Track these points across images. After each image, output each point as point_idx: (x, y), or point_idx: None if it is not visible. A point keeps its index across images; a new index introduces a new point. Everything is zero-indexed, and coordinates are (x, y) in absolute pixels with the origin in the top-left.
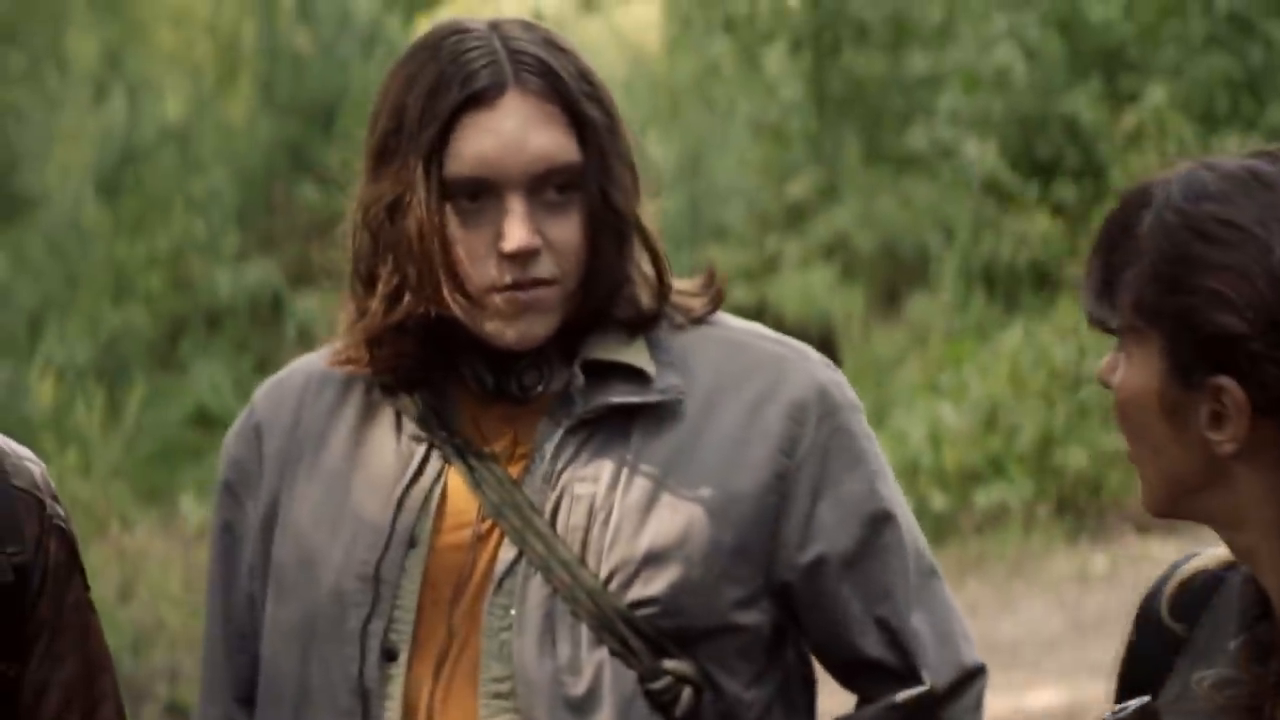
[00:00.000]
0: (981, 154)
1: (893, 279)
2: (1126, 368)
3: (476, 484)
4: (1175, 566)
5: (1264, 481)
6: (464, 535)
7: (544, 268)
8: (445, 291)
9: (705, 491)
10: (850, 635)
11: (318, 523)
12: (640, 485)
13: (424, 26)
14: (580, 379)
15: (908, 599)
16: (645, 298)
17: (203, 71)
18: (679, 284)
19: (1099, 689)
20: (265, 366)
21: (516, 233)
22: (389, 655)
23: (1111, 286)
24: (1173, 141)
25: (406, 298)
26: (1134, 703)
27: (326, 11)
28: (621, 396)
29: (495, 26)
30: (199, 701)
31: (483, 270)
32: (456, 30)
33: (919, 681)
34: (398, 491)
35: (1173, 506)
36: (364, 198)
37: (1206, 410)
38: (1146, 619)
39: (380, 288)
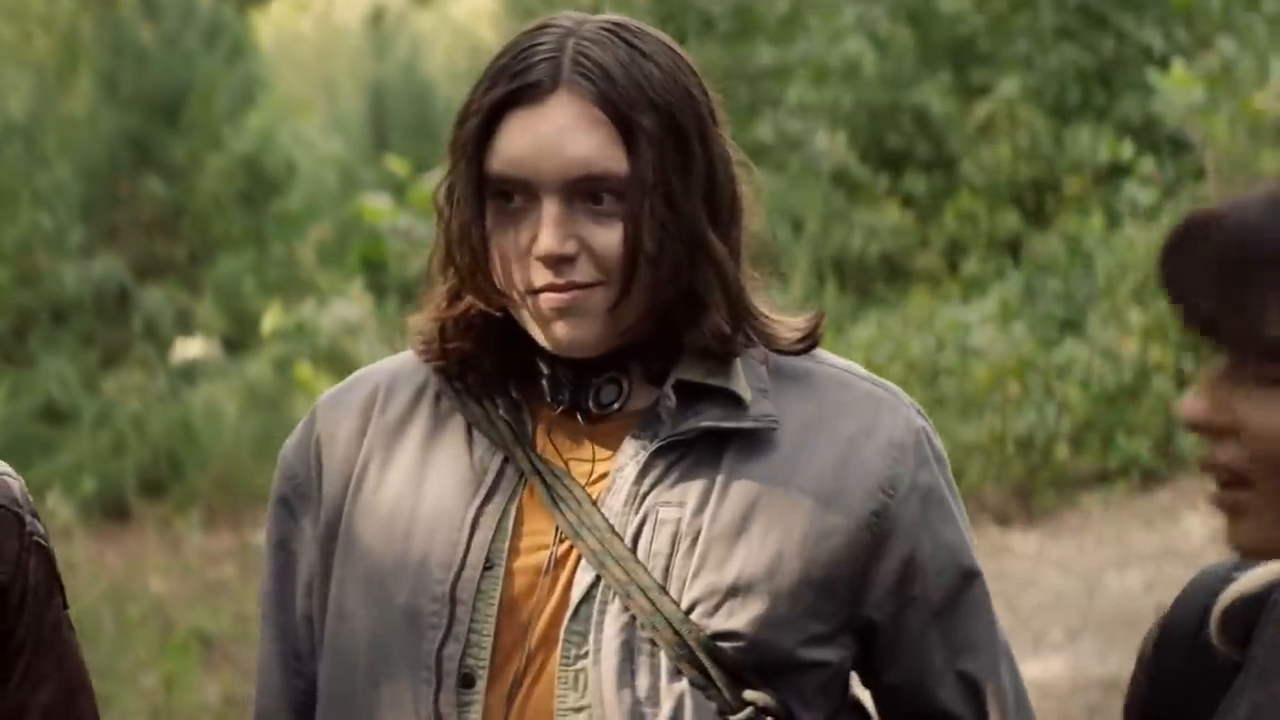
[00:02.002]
0: (831, 145)
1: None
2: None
3: (554, 503)
4: (1199, 590)
5: None
6: (540, 557)
7: (581, 272)
8: (490, 291)
9: (797, 523)
10: (928, 684)
11: (387, 540)
12: (729, 512)
13: (257, 20)
14: (672, 399)
15: (994, 658)
16: (723, 323)
17: (44, 66)
18: (775, 315)
19: None
20: (112, 360)
21: (546, 238)
22: (466, 681)
23: (1266, 328)
24: (1024, 133)
25: (467, 294)
26: None
27: (168, 4)
28: (714, 420)
29: (578, 25)
30: None
31: (518, 272)
32: (540, 25)
33: None
34: (473, 508)
35: None
36: (436, 190)
37: None
38: (1171, 644)
39: (446, 281)
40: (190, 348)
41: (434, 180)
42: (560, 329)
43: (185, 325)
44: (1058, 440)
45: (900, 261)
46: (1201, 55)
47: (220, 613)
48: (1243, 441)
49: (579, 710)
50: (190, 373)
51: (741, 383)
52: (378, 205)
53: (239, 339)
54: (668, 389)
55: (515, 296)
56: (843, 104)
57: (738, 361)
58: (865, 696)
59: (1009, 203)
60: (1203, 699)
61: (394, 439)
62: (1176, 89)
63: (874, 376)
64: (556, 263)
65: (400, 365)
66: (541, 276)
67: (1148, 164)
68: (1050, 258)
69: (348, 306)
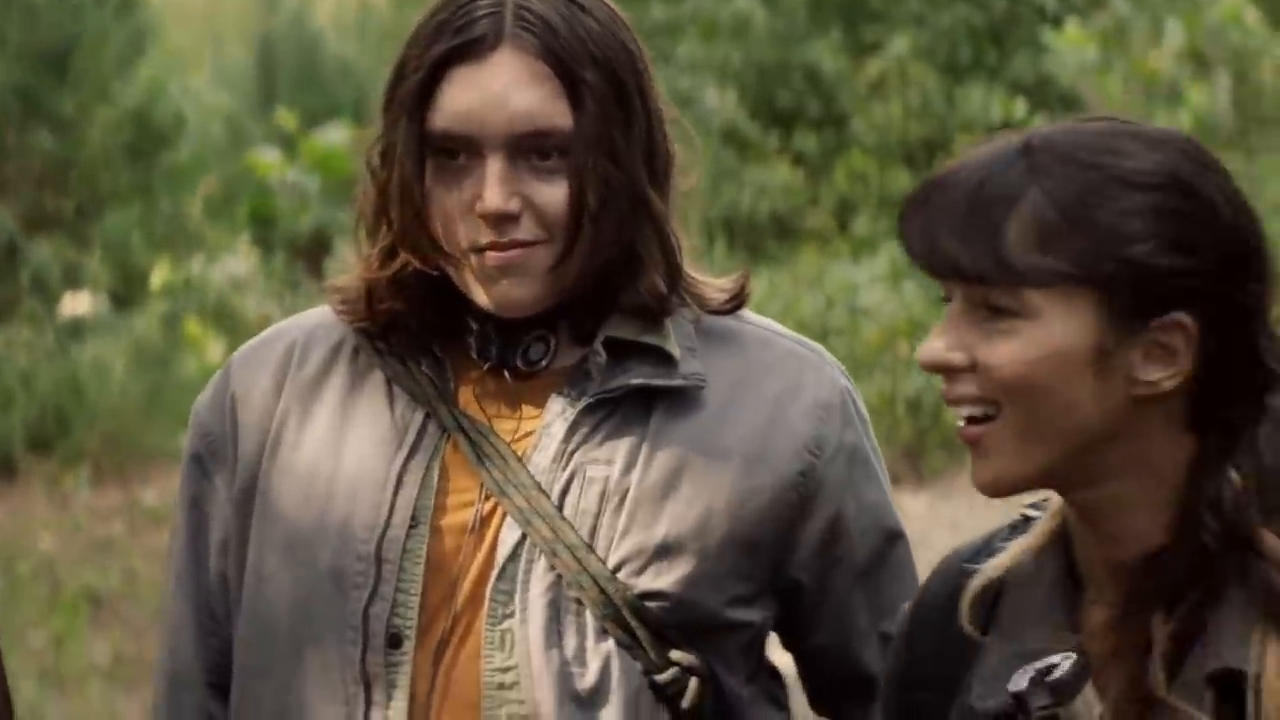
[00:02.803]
0: (721, 103)
1: None
2: (1039, 331)
3: (479, 460)
4: (948, 570)
5: (1168, 416)
6: (466, 515)
7: (525, 230)
8: (430, 249)
9: (725, 483)
10: (853, 645)
11: (308, 499)
12: (657, 471)
13: None
14: (602, 355)
15: None
16: (660, 281)
17: None
18: (701, 276)
19: None
20: (1, 314)
21: (490, 195)
22: (394, 642)
23: (1005, 251)
24: (915, 92)
25: (400, 253)
26: (1058, 657)
27: None
28: (644, 377)
29: None
30: (161, 690)
31: (462, 230)
32: None
33: None
34: (396, 465)
35: (1047, 474)
36: (370, 147)
37: (1140, 353)
38: (924, 621)
39: (379, 240)
40: (78, 303)
41: (325, 134)
42: (502, 288)
43: (73, 280)
44: None
45: (790, 220)
46: (1095, 14)
47: (109, 571)
48: (979, 375)
49: (506, 670)
50: (78, 328)
51: (671, 341)
52: (266, 160)
53: (127, 294)
54: (598, 345)
55: (457, 255)
56: (732, 61)
57: (667, 320)
58: (779, 660)
59: (900, 161)
60: (953, 670)
61: (311, 396)
62: (1070, 48)
63: (798, 336)
64: (500, 220)
65: (316, 321)
66: (485, 234)
67: (1040, 123)
68: None
69: (236, 262)
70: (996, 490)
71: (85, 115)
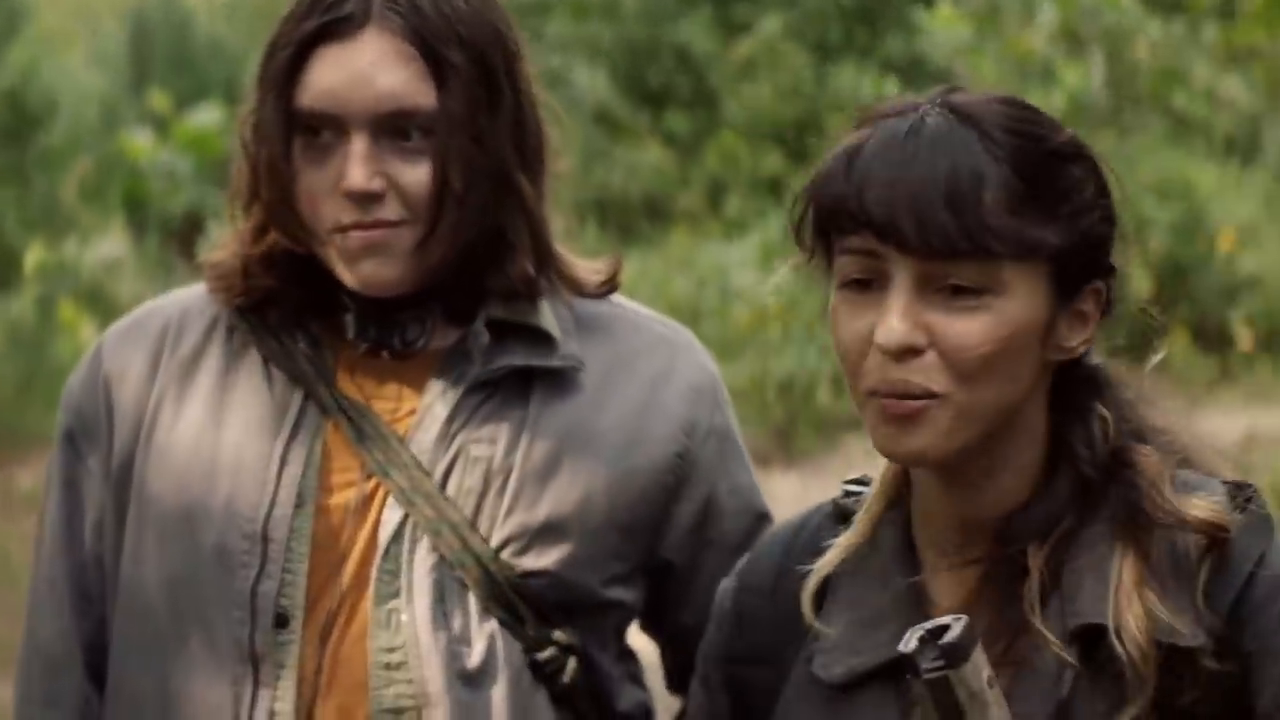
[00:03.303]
0: (592, 83)
1: None
2: (1009, 304)
3: (360, 440)
4: (774, 545)
5: (1048, 376)
6: (349, 495)
7: (389, 209)
8: (298, 228)
9: (604, 464)
10: None
11: (188, 479)
12: (539, 452)
13: None
14: (484, 336)
15: None
16: (528, 264)
17: None
18: (573, 259)
19: None
20: None
21: (354, 173)
22: (281, 621)
23: (993, 221)
24: (786, 72)
25: (271, 230)
26: (949, 619)
27: None
28: (524, 358)
29: None
30: (32, 676)
31: (326, 209)
32: None
33: None
34: (280, 445)
35: (972, 447)
36: (240, 125)
37: (1068, 321)
38: (753, 593)
39: (250, 218)
40: None
41: (198, 116)
42: (366, 267)
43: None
44: (819, 382)
45: (661, 201)
46: None
47: None
48: (941, 355)
49: (393, 650)
50: None
51: (550, 322)
52: (140, 142)
53: (1, 277)
54: (479, 325)
55: (322, 233)
56: (603, 40)
57: (544, 302)
58: (635, 643)
59: (771, 142)
60: (785, 645)
61: (187, 376)
62: (943, 28)
63: (667, 320)
64: (364, 199)
65: (189, 300)
66: (349, 214)
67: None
68: None
69: (110, 244)
70: (922, 461)
71: None
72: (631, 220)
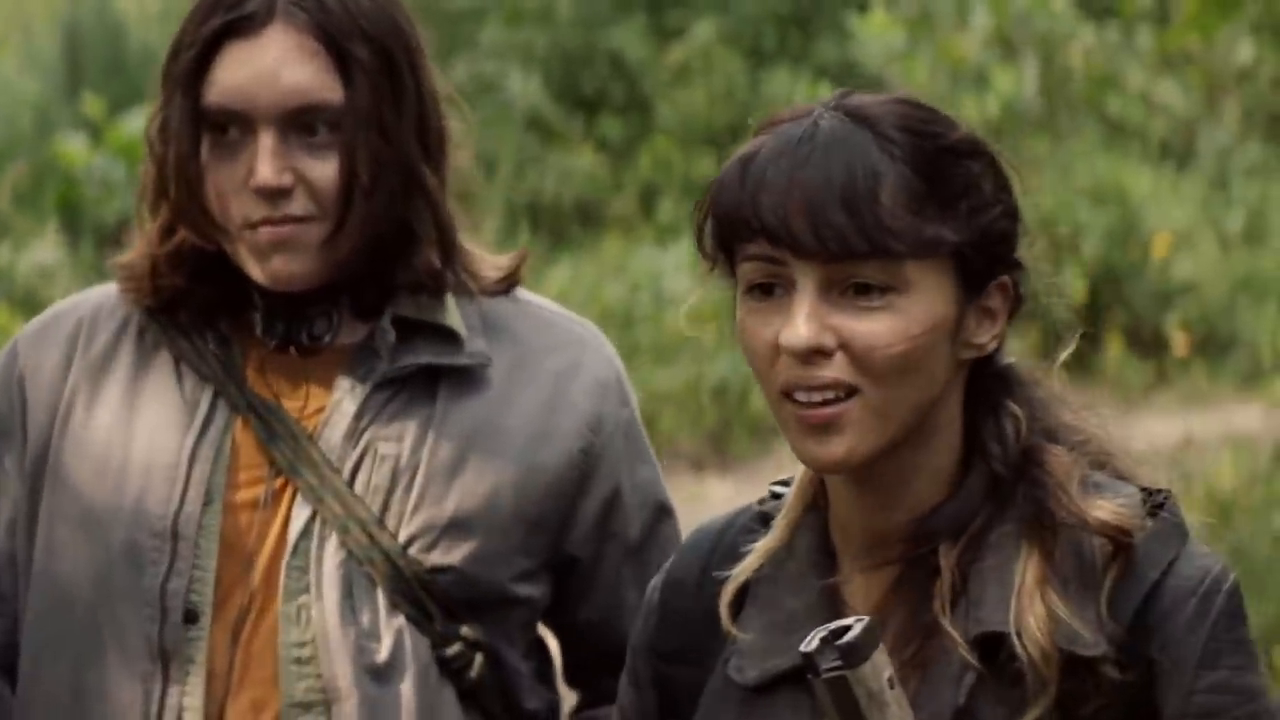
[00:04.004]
0: (524, 88)
1: None
2: (913, 304)
3: (269, 438)
4: (702, 540)
5: (962, 377)
6: (257, 492)
7: (297, 205)
8: (208, 225)
9: (511, 461)
10: (621, 621)
11: (100, 477)
12: (446, 449)
13: None
14: (391, 334)
15: None
16: (434, 257)
17: None
18: (479, 252)
19: None
20: None
21: (263, 169)
22: (190, 617)
23: (890, 222)
24: (720, 76)
25: (179, 229)
26: (851, 620)
27: None
28: (431, 356)
29: None
30: None
31: (235, 205)
32: None
33: None
34: (188, 443)
35: (889, 449)
36: (148, 124)
37: (976, 318)
38: (678, 589)
39: (160, 217)
40: None
41: (132, 121)
42: (275, 263)
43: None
44: (753, 387)
45: (594, 206)
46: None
47: None
48: (850, 356)
49: (302, 645)
50: None
51: (457, 319)
52: (73, 147)
53: None
54: (386, 324)
55: (232, 230)
56: (537, 46)
57: (450, 299)
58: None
59: (705, 147)
60: (707, 646)
61: (99, 375)
62: (876, 34)
63: (573, 315)
64: (273, 195)
65: (102, 299)
66: (258, 210)
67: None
68: None
69: (44, 250)
70: (845, 467)
71: None
72: (564, 225)
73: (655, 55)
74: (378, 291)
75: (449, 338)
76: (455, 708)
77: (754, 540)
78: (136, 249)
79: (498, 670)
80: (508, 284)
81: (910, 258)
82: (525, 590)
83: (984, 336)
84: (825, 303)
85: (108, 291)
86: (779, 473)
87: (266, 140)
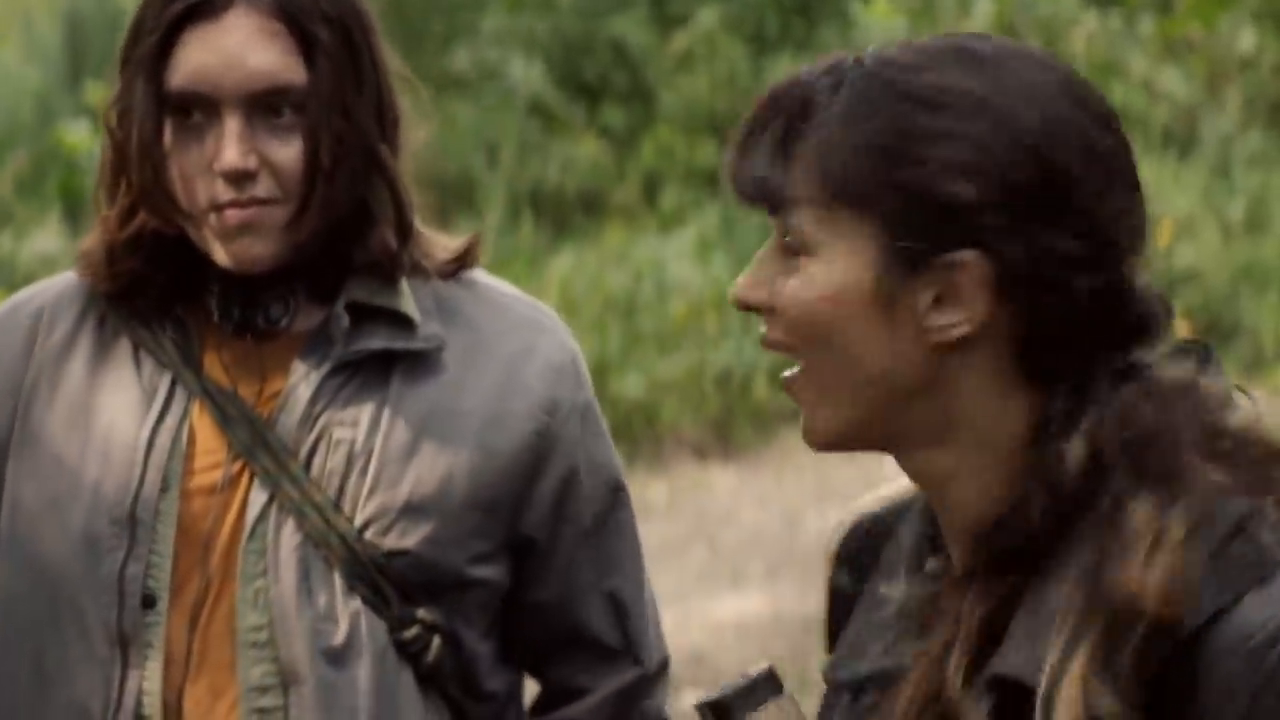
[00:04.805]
0: (527, 76)
1: (437, 202)
2: (818, 266)
3: (225, 423)
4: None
5: (989, 372)
6: (214, 477)
7: (262, 188)
8: (169, 209)
9: (465, 444)
10: (575, 602)
11: (58, 464)
12: (401, 433)
13: None
14: (345, 320)
15: (638, 577)
16: (391, 238)
17: None
18: (430, 234)
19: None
20: None
21: (229, 152)
22: (148, 602)
23: (772, 170)
24: (723, 64)
25: (140, 213)
26: (754, 670)
27: None
28: (385, 341)
29: None
30: None
31: (200, 189)
32: None
33: (634, 662)
34: (146, 430)
35: (863, 429)
36: (106, 108)
37: (930, 295)
38: (834, 566)
39: (117, 201)
40: None
41: None
42: (241, 245)
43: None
44: (757, 375)
45: (597, 194)
46: None
47: None
48: (778, 315)
49: (259, 629)
50: None
51: (410, 304)
52: (75, 135)
53: None
54: (339, 309)
55: (195, 214)
56: (539, 34)
57: (405, 283)
58: None
59: (707, 134)
60: (836, 624)
61: (60, 362)
62: (879, 21)
63: (529, 299)
64: (239, 178)
65: (64, 287)
66: (224, 192)
67: None
68: None
69: (46, 239)
70: (817, 442)
71: None
72: (567, 213)
73: (658, 43)
74: (334, 275)
75: (403, 322)
76: (414, 690)
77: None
78: (93, 235)
79: (456, 652)
80: (458, 265)
81: (795, 209)
82: (482, 572)
83: (943, 319)
84: (769, 257)
85: (69, 279)
86: (783, 461)
87: (232, 123)
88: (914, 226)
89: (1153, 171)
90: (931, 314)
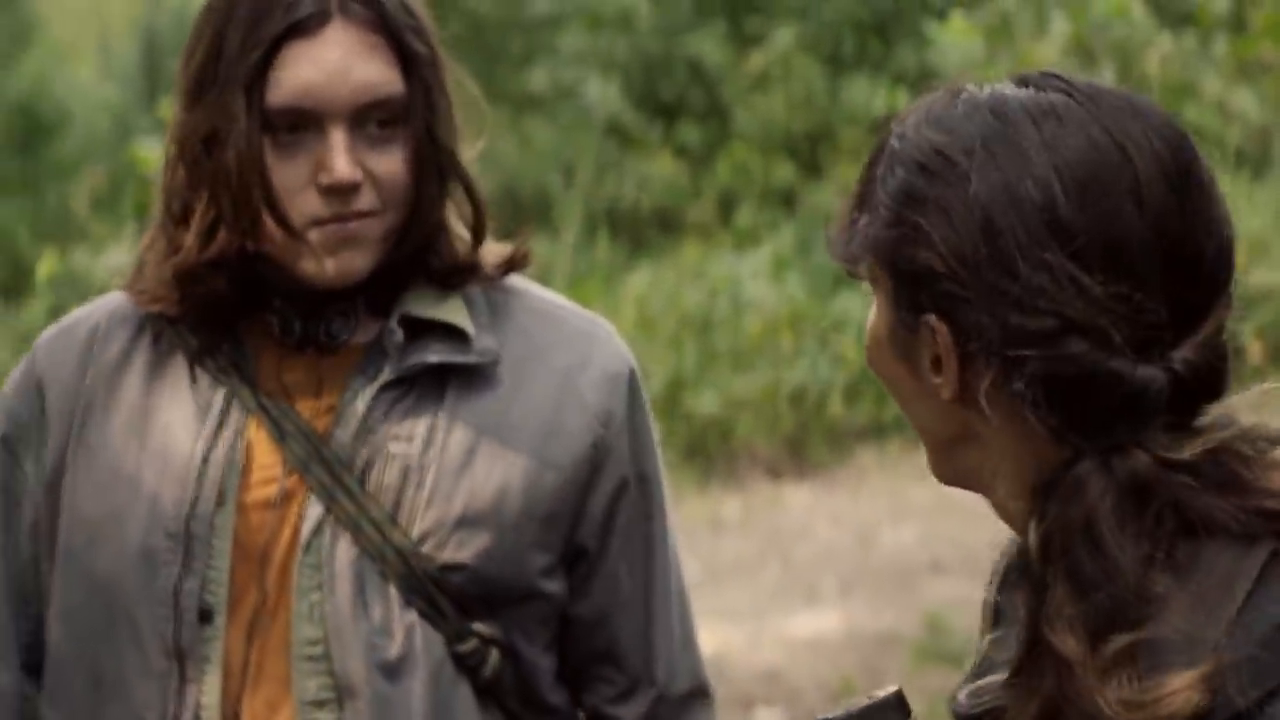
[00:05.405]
0: (604, 95)
1: (514, 221)
2: (871, 313)
3: (281, 437)
4: None
5: (1007, 431)
6: (271, 491)
7: (365, 200)
8: (265, 226)
9: (520, 457)
10: (613, 615)
11: (115, 479)
12: (455, 447)
13: None
14: (399, 334)
15: (675, 594)
16: (460, 248)
17: None
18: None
19: (738, 635)
20: None
21: (338, 165)
22: (205, 616)
23: (854, 227)
24: (799, 83)
25: (221, 233)
26: (880, 692)
27: None
28: (440, 355)
29: None
30: None
31: (302, 204)
32: None
33: (649, 683)
34: (201, 445)
35: (939, 468)
36: (180, 130)
37: (929, 355)
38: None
39: (195, 223)
40: None
41: None
42: (344, 258)
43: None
44: (831, 393)
45: (673, 212)
46: (980, 7)
47: None
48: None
49: (315, 643)
50: None
51: (464, 317)
52: (151, 152)
53: (13, 286)
54: (394, 324)
55: (297, 228)
56: (616, 53)
57: (458, 297)
58: None
59: (783, 154)
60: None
61: (115, 379)
62: (955, 41)
63: (583, 310)
64: (346, 191)
65: (118, 304)
66: (328, 206)
67: None
68: (825, 209)
69: (121, 254)
70: (936, 477)
71: None
72: (643, 231)
73: (734, 62)
74: (392, 287)
75: (457, 336)
76: (471, 703)
77: None
78: (152, 260)
79: (516, 666)
80: (505, 270)
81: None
82: (542, 585)
83: (937, 379)
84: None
85: (120, 297)
86: (857, 479)
87: (339, 136)
88: (905, 288)
89: (1226, 192)
90: (930, 373)
